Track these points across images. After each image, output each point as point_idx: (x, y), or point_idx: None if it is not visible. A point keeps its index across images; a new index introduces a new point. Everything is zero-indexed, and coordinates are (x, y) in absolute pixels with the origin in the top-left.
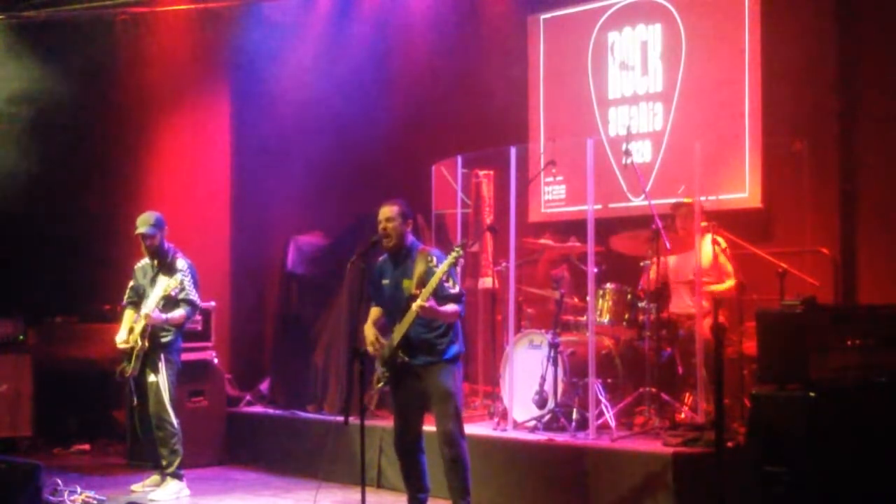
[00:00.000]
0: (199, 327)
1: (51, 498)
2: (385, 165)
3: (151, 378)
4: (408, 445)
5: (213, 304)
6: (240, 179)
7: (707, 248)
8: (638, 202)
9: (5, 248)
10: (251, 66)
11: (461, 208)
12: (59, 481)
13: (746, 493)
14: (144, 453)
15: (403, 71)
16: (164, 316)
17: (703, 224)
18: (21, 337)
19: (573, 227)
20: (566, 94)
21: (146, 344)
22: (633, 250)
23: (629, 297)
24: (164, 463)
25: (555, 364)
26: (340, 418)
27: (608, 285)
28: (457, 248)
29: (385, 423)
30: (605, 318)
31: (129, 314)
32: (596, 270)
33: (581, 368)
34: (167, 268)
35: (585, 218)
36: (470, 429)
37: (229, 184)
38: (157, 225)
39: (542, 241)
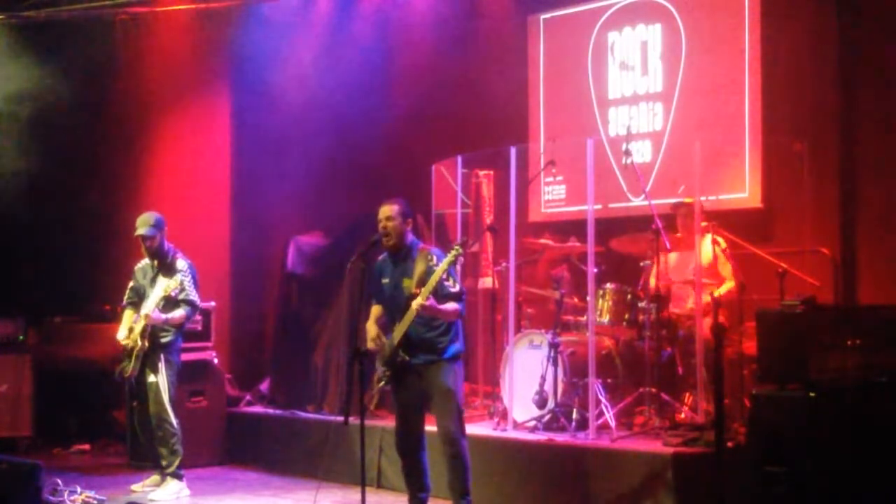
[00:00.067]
0: (199, 327)
1: (51, 498)
2: (385, 165)
3: (151, 378)
4: (409, 445)
5: (213, 304)
6: (240, 179)
7: (707, 248)
8: (638, 202)
9: (5, 248)
10: (251, 66)
11: (461, 208)
12: (59, 481)
13: (746, 493)
14: (144, 453)
15: (403, 71)
16: (164, 316)
17: (704, 224)
18: (21, 337)
19: (573, 227)
20: (566, 94)
21: (146, 344)
22: (633, 251)
23: (629, 297)
24: (163, 463)
25: (555, 364)
26: (340, 418)
27: (608, 285)
28: (456, 247)
29: (385, 423)
30: (605, 318)
31: (128, 314)
32: (596, 270)
33: (581, 368)
34: (167, 268)
35: (585, 218)
36: (470, 429)
37: (229, 184)
38: (157, 226)
39: (542, 241)
